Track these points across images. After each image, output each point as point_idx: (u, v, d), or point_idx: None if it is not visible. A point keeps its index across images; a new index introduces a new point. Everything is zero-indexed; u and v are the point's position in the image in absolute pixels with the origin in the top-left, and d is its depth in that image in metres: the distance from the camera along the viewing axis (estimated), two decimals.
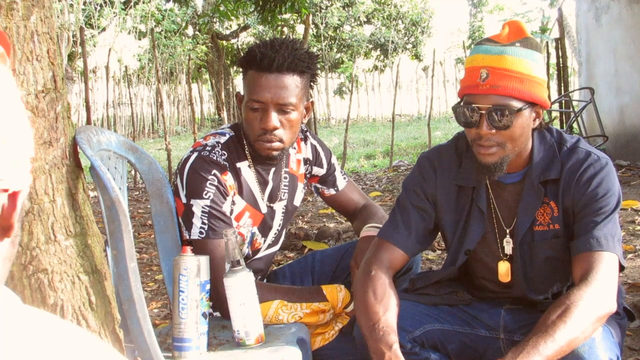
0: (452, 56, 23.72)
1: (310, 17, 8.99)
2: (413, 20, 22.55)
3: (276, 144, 1.86)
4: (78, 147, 1.47)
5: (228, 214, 1.88)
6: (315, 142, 2.14)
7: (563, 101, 7.56)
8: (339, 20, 21.25)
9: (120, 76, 16.24)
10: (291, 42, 1.86)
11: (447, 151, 1.80)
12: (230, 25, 19.97)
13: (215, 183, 1.84)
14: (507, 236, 1.73)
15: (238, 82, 20.03)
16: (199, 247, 1.80)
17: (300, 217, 5.36)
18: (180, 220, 1.87)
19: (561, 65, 7.62)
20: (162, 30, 17.91)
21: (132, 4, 16.56)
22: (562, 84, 7.61)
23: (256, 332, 1.69)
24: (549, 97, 5.90)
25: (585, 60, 7.86)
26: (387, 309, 1.62)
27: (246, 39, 21.56)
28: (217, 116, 18.77)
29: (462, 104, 1.62)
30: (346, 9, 21.57)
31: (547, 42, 9.21)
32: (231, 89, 18.76)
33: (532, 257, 1.72)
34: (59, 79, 1.43)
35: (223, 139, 1.93)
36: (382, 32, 22.22)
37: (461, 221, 1.76)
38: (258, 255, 2.07)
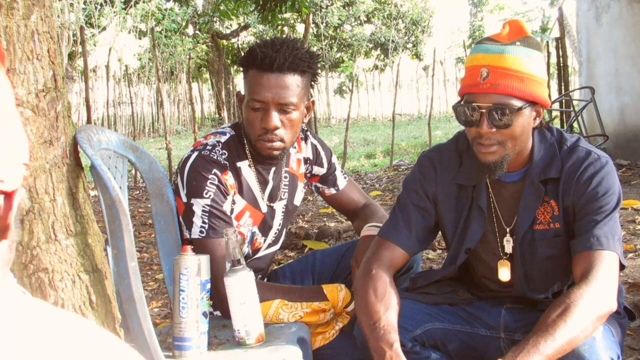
0: (452, 55, 23.75)
1: (311, 17, 8.99)
2: (413, 20, 22.55)
3: (277, 144, 1.86)
4: (78, 146, 1.47)
5: (228, 213, 1.88)
6: (315, 142, 2.14)
7: (563, 100, 7.56)
8: (339, 19, 21.24)
9: (120, 75, 16.24)
10: (292, 42, 1.86)
11: (447, 150, 1.80)
12: (231, 25, 19.96)
13: (216, 182, 1.84)
14: (508, 235, 1.73)
15: (238, 82, 20.04)
16: (199, 246, 1.80)
17: (301, 217, 5.36)
18: (181, 220, 1.87)
19: (561, 64, 7.62)
20: (162, 30, 17.92)
21: (132, 3, 16.56)
22: (563, 84, 7.61)
23: (256, 331, 1.69)
24: (550, 96, 5.89)
25: (585, 59, 7.86)
26: (388, 308, 1.62)
27: (246, 38, 21.57)
28: (217, 115, 18.77)
29: (462, 102, 1.62)
30: (346, 8, 21.57)
31: (547, 42, 9.21)
32: (231, 89, 18.76)
33: (532, 256, 1.72)
34: (60, 78, 1.43)
35: (223, 138, 1.93)
36: (383, 32, 22.22)
37: (461, 220, 1.76)
38: (258, 255, 2.07)
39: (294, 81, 1.83)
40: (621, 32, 7.14)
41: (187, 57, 15.47)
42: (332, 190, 2.20)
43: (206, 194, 1.82)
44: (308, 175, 2.16)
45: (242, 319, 1.68)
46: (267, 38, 1.94)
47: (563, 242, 1.67)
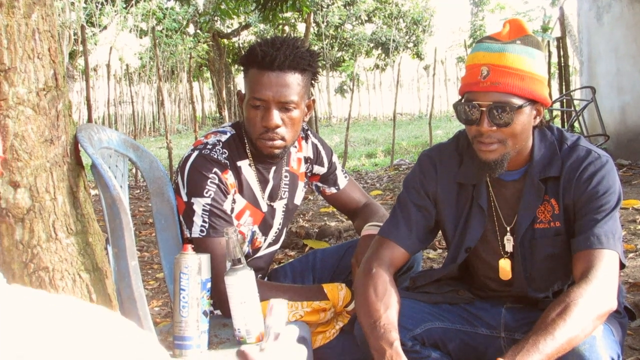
0: (453, 55, 23.73)
1: (312, 16, 8.99)
2: (414, 19, 22.54)
3: (278, 142, 1.86)
4: (79, 145, 1.47)
5: (229, 212, 1.88)
6: (316, 141, 2.14)
7: (564, 100, 7.56)
8: (340, 18, 21.25)
9: (121, 74, 16.26)
10: (292, 40, 1.86)
11: (447, 149, 1.80)
12: (232, 24, 19.98)
13: (216, 181, 1.84)
14: (508, 234, 1.73)
15: (239, 81, 20.03)
16: (199, 246, 1.80)
17: (301, 216, 5.37)
18: (181, 219, 1.87)
19: (562, 64, 7.62)
20: (163, 29, 17.93)
21: (133, 2, 16.57)
22: (564, 83, 7.61)
23: (257, 330, 1.69)
24: (550, 95, 5.90)
25: (586, 59, 7.86)
26: (388, 307, 1.62)
27: (247, 37, 21.57)
28: (218, 114, 18.79)
29: (463, 101, 1.62)
30: (347, 7, 21.57)
31: (548, 41, 9.21)
32: (232, 88, 18.76)
33: (532, 255, 1.72)
34: (60, 77, 1.43)
35: (224, 138, 1.93)
36: (384, 31, 22.23)
37: (462, 219, 1.76)
38: (259, 254, 2.07)
39: (294, 79, 1.83)
40: (622, 31, 7.13)
41: (188, 56, 15.49)
42: (333, 190, 2.20)
43: (206, 193, 1.82)
44: (308, 174, 2.16)
45: (242, 318, 1.68)
46: (268, 37, 1.93)
47: (563, 241, 1.67)
